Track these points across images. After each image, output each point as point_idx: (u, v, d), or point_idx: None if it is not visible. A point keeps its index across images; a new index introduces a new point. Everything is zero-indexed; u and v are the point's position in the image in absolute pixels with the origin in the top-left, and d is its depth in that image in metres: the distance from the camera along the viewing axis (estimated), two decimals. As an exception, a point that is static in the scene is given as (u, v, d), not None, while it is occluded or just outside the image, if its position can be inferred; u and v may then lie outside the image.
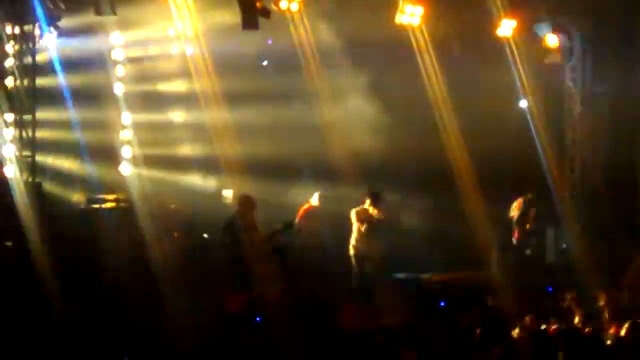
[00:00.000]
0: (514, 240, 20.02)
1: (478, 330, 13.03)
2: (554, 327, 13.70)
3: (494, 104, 21.18)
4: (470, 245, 19.18)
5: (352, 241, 18.69)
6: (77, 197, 20.16)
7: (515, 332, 13.24)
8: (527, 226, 19.91)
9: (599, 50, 20.95)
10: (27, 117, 17.49)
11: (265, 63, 22.67)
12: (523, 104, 21.32)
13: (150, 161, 21.43)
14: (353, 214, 18.74)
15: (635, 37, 20.72)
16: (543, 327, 13.70)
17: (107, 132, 21.27)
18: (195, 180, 22.02)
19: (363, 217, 18.60)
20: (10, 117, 17.42)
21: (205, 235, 20.02)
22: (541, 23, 20.44)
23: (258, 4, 18.09)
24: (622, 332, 12.99)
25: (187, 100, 21.36)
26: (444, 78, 20.39)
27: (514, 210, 20.02)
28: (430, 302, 17.22)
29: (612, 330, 13.66)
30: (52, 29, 17.85)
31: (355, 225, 18.67)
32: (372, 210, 18.63)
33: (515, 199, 20.18)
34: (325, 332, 15.49)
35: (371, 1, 19.66)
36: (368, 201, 18.76)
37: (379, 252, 18.60)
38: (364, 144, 21.99)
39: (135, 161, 21.34)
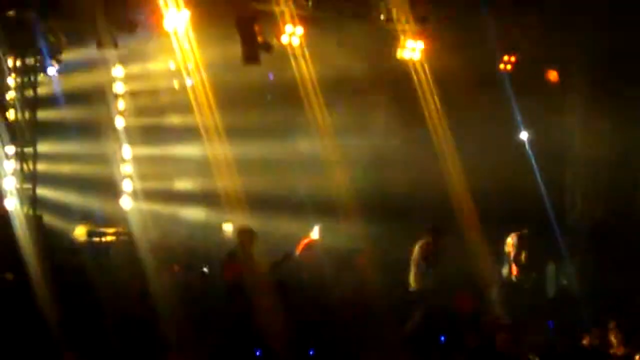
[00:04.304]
0: (512, 276, 19.95)
1: None
2: None
3: (495, 138, 21.25)
4: (470, 281, 19.08)
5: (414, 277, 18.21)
6: (77, 230, 20.10)
7: None
8: (523, 261, 19.83)
9: (599, 83, 20.99)
10: (28, 149, 17.53)
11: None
12: (524, 137, 21.35)
13: (150, 195, 21.43)
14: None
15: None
16: None
17: (107, 166, 21.35)
18: (196, 213, 22.01)
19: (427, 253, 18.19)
20: (11, 149, 17.44)
21: (205, 270, 19.97)
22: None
23: (259, 38, 18.13)
24: None
25: (187, 134, 21.36)
26: (445, 113, 20.39)
27: (509, 247, 19.95)
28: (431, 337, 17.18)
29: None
30: (53, 62, 17.92)
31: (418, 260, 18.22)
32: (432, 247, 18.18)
33: (509, 234, 20.11)
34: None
35: (377, 36, 19.72)
36: (430, 237, 18.26)
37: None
38: (364, 178, 22.04)
39: (135, 195, 21.33)
